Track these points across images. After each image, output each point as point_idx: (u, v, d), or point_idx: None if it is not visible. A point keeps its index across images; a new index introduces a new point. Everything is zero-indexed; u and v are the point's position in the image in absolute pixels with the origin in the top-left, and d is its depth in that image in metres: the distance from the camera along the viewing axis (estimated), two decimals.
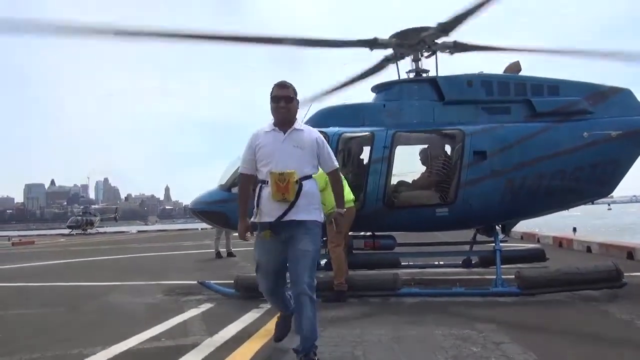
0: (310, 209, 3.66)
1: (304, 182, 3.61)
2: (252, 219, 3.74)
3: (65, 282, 9.43)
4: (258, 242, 3.77)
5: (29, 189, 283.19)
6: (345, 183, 6.37)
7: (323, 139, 3.83)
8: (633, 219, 39.31)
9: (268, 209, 3.62)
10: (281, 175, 3.54)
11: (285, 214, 3.58)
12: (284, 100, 3.69)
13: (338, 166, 3.87)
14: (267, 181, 3.61)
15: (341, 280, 6.17)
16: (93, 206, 64.95)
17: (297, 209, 3.59)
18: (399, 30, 7.24)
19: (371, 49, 7.31)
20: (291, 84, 3.78)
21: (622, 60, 7.42)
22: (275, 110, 3.71)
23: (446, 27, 6.79)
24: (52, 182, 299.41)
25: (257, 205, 3.68)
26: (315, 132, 3.81)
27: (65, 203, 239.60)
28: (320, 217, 3.72)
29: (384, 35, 7.29)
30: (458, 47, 7.21)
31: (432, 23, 6.91)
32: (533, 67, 7.82)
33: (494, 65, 7.66)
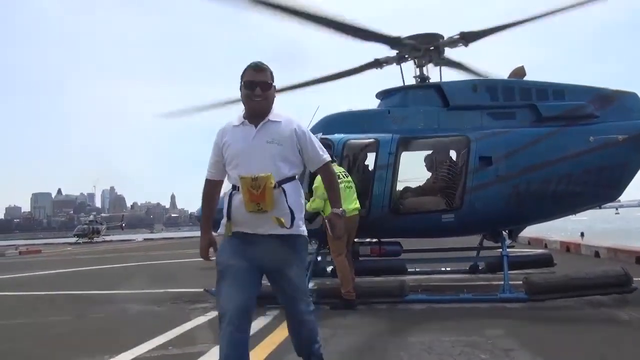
0: (295, 221, 2.91)
1: (285, 187, 2.87)
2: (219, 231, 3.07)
3: (72, 291, 9.45)
4: (223, 243, 3.01)
5: (36, 198, 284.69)
6: (353, 190, 6.38)
7: (304, 128, 3.02)
8: None
9: (242, 221, 2.90)
10: (254, 180, 2.78)
11: (262, 227, 2.88)
12: (259, 87, 2.91)
13: (329, 159, 3.11)
14: (239, 187, 2.87)
15: (348, 288, 6.14)
16: (99, 215, 65.19)
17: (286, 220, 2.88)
18: (419, 33, 7.28)
19: (392, 47, 7.33)
20: (268, 67, 2.99)
21: None
22: (248, 100, 2.94)
23: (468, 37, 6.86)
24: (59, 191, 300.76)
25: (228, 217, 2.93)
26: (294, 122, 2.99)
27: (72, 212, 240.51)
28: (305, 229, 3.02)
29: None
30: (469, 38, 7.21)
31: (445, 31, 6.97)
32: (537, 72, 7.82)
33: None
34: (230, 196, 2.94)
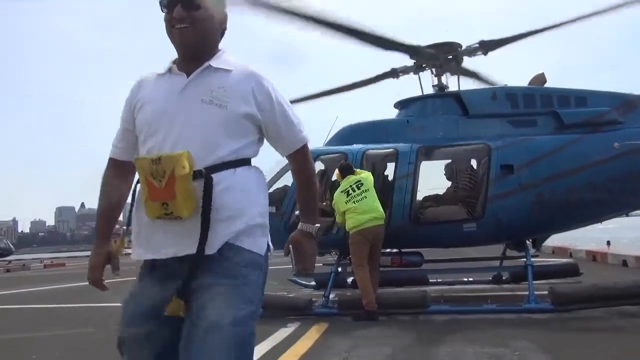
0: (240, 229, 1.70)
1: (216, 176, 1.68)
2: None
3: (95, 303, 9.53)
4: (135, 281, 1.86)
5: (60, 212, 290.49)
6: (374, 197, 6.28)
7: (271, 84, 1.81)
8: None
9: (145, 236, 1.79)
10: (155, 163, 1.65)
11: (175, 245, 1.69)
12: (180, 5, 1.74)
13: (307, 139, 1.88)
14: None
15: (369, 299, 6.08)
16: (121, 228, 65.83)
17: (213, 233, 1.65)
18: (439, 41, 7.29)
19: (411, 56, 7.34)
20: None
21: None
22: (168, 30, 1.79)
23: (487, 46, 6.83)
24: (82, 205, 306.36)
25: (128, 224, 1.91)
26: (255, 74, 1.79)
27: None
28: (263, 244, 1.78)
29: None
30: (487, 46, 7.18)
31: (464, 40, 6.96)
32: (559, 79, 7.72)
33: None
34: (134, 192, 1.85)
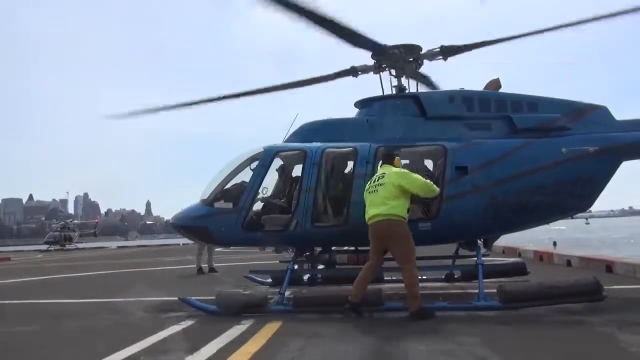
0: None
1: None
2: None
3: (41, 300, 9.19)
4: None
5: (5, 203, 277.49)
6: (384, 193, 6.01)
7: None
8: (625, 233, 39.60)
9: None
10: None
11: None
12: None
13: None
14: None
15: (353, 293, 6.04)
16: (71, 221, 63.63)
17: None
18: (402, 43, 7.36)
19: (375, 54, 7.36)
20: None
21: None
22: None
23: (448, 52, 6.93)
24: (30, 197, 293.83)
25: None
26: None
27: (44, 218, 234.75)
28: None
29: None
30: (447, 52, 7.31)
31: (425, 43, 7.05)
32: (513, 84, 7.95)
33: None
34: None
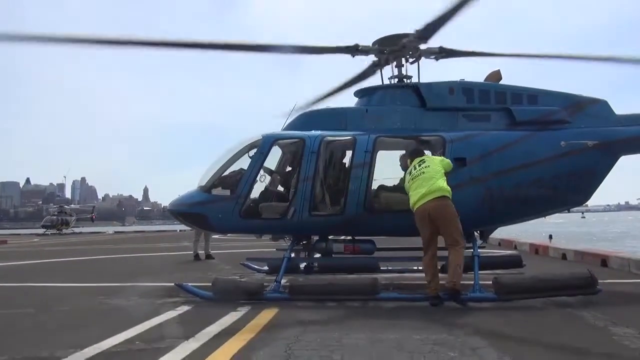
0: None
1: None
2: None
3: (38, 283, 9.20)
4: None
5: (3, 187, 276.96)
6: (432, 174, 6.16)
7: None
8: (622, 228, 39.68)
9: None
10: None
11: None
12: None
13: None
14: None
15: (427, 283, 6.14)
16: (69, 206, 63.58)
17: None
18: (381, 36, 7.32)
19: (353, 55, 7.35)
20: None
21: (605, 62, 7.61)
22: None
23: (424, 34, 6.88)
24: (27, 181, 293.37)
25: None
26: None
27: (41, 202, 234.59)
28: None
29: (367, 41, 7.34)
30: (443, 53, 7.29)
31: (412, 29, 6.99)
32: (515, 76, 7.94)
33: (478, 73, 7.77)
34: None
